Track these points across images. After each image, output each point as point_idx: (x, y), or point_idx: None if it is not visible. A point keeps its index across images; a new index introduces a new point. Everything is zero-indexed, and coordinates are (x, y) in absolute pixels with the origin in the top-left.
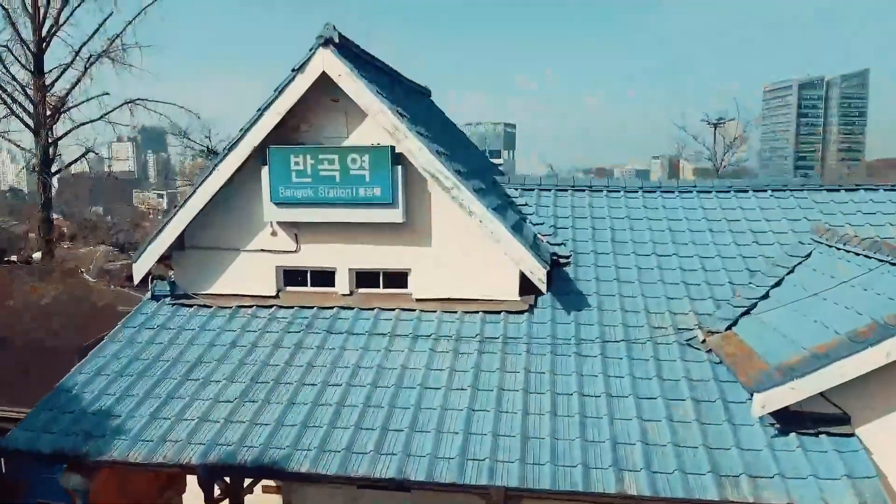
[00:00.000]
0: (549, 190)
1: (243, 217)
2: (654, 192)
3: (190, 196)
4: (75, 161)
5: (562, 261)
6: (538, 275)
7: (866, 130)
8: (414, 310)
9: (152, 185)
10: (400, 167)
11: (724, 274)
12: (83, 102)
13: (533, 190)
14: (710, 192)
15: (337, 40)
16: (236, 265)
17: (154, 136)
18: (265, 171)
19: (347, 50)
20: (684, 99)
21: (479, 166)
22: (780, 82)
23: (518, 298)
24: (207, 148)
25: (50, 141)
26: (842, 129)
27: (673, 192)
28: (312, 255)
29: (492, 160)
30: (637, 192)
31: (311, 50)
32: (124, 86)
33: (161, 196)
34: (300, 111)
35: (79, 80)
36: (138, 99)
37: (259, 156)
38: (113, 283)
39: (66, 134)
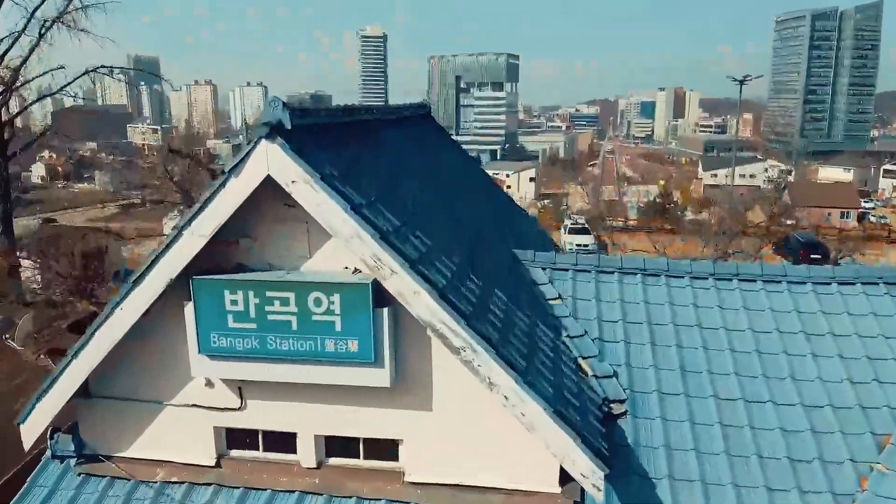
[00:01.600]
0: (589, 271)
1: (166, 362)
2: (731, 279)
3: (84, 343)
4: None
5: (615, 411)
6: (592, 479)
7: (879, 64)
8: (408, 503)
9: (147, 118)
10: (387, 309)
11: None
12: (40, 76)
13: (567, 271)
14: (806, 283)
15: (289, 125)
16: (161, 422)
17: (147, 66)
18: (189, 310)
19: (307, 134)
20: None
21: (497, 264)
22: (793, 12)
23: (558, 490)
24: None
25: (3, 120)
26: (854, 62)
27: (755, 280)
28: (264, 415)
29: (494, 93)
30: (707, 278)
31: (250, 142)
32: (87, 53)
33: (156, 131)
34: (239, 219)
35: (33, 49)
36: (100, 66)
37: (181, 286)
38: (44, 348)
39: (18, 114)
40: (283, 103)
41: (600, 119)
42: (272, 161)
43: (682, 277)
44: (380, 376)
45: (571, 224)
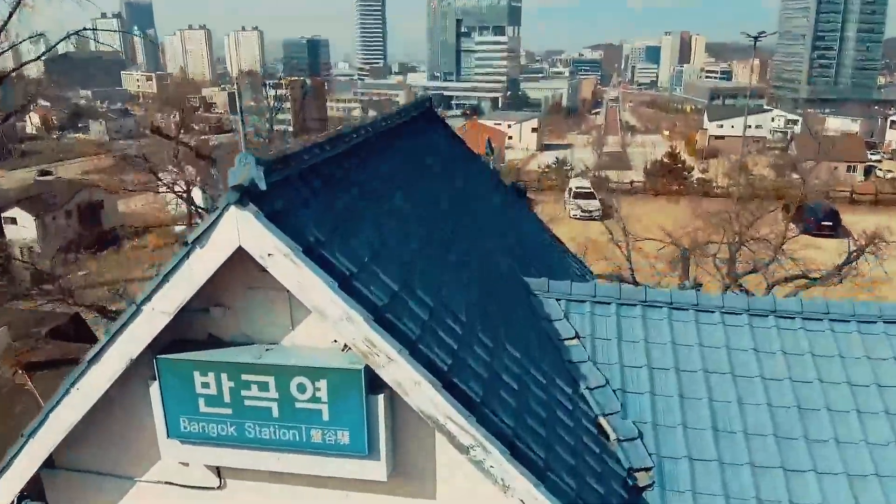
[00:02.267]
0: (610, 304)
1: (136, 436)
2: (767, 316)
3: (39, 425)
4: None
5: (640, 482)
6: None
7: (887, 10)
8: None
9: (140, 66)
10: (382, 396)
11: None
12: (21, 42)
13: (584, 303)
14: (849, 321)
15: (264, 185)
16: (133, 498)
17: (139, 11)
18: (154, 390)
19: (287, 188)
20: None
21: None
22: None
23: None
24: None
25: None
26: (863, 7)
27: (793, 318)
28: (245, 496)
29: (495, 38)
30: (741, 314)
31: (217, 208)
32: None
33: (150, 78)
34: (209, 285)
35: (13, 13)
36: (82, 29)
37: (146, 360)
38: (20, 363)
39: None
40: (257, 159)
41: (604, 65)
42: (244, 231)
43: (713, 312)
44: (375, 469)
45: (576, 188)
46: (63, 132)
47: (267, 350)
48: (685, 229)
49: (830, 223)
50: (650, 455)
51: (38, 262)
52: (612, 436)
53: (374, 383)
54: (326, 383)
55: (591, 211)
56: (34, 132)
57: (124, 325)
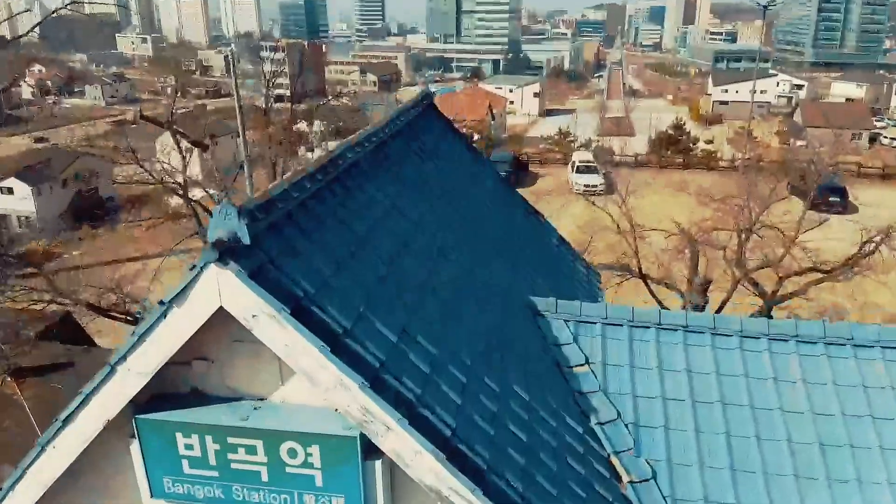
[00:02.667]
0: (621, 325)
1: (120, 489)
2: (787, 340)
3: (13, 483)
4: None
5: None
6: None
7: None
8: None
9: (136, 28)
10: (380, 461)
11: None
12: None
13: (595, 324)
14: (874, 347)
15: (247, 240)
16: None
17: None
18: (135, 449)
19: (273, 237)
20: None
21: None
22: None
23: None
24: None
25: None
26: None
27: (816, 343)
28: None
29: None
30: (760, 339)
31: (194, 268)
32: None
33: (145, 41)
34: (191, 339)
35: None
36: (68, 3)
37: (125, 419)
38: (7, 369)
39: None
40: (239, 210)
41: (608, 26)
42: (225, 291)
43: (731, 336)
44: None
45: (579, 161)
46: (59, 96)
47: (255, 408)
48: (693, 217)
49: (838, 198)
50: (665, 498)
51: (35, 238)
52: (626, 478)
53: (372, 447)
54: (319, 449)
55: (594, 186)
56: (31, 97)
57: (99, 386)
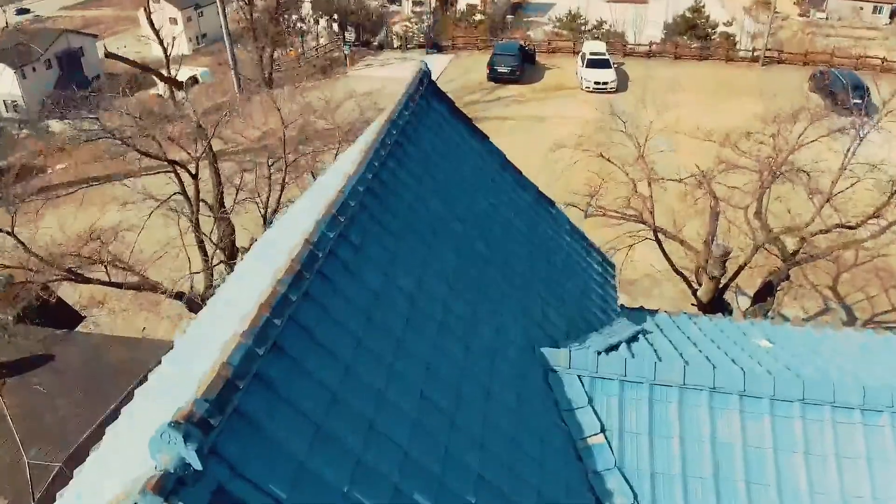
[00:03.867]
0: (642, 384)
1: None
2: (822, 406)
3: None
4: None
5: None
6: None
7: None
8: None
9: None
10: None
11: None
12: None
13: (612, 381)
14: None
15: (199, 465)
16: None
17: None
18: None
19: (238, 442)
20: None
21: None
22: None
23: None
24: None
25: None
26: None
27: (852, 409)
28: None
29: None
30: (793, 402)
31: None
32: None
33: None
34: None
35: None
36: None
37: None
38: None
39: None
40: (186, 431)
41: None
42: None
43: (761, 399)
44: None
45: (590, 54)
46: None
47: None
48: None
49: (860, 100)
50: None
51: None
52: None
53: None
54: None
55: (606, 83)
56: None
57: None
